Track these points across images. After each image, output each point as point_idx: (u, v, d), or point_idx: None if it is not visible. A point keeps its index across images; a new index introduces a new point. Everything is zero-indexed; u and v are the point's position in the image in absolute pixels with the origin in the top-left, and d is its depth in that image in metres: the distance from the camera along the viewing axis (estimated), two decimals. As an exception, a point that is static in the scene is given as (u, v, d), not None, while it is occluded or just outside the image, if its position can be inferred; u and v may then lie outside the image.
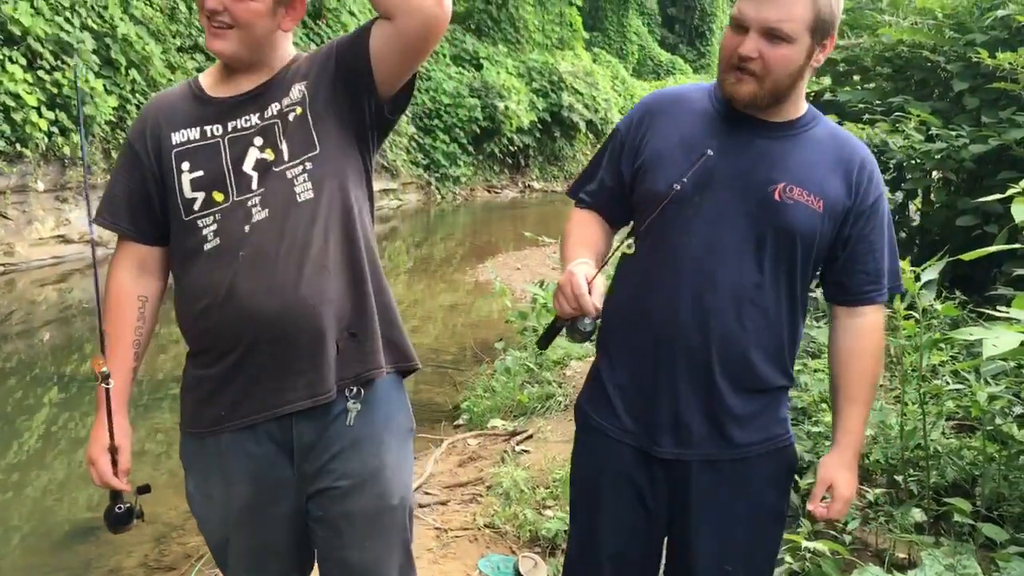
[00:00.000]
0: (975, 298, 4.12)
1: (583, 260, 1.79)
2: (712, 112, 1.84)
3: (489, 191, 22.58)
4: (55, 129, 9.93)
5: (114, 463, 1.85)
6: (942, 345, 3.13)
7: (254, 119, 1.80)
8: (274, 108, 1.80)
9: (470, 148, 21.71)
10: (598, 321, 1.73)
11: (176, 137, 1.81)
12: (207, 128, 1.81)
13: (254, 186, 1.77)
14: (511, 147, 23.18)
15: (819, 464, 1.91)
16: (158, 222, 1.86)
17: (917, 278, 2.80)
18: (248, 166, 1.78)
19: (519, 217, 18.40)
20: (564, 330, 1.76)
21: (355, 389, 1.83)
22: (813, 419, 3.52)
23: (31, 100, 9.51)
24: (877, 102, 5.57)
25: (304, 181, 1.77)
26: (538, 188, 24.40)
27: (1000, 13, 4.82)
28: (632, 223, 1.93)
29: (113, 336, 1.86)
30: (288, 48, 1.89)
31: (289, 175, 1.77)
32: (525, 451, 4.51)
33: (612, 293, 1.94)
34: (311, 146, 1.78)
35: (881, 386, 4.33)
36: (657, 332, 1.82)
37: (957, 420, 3.58)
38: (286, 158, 1.77)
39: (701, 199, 1.78)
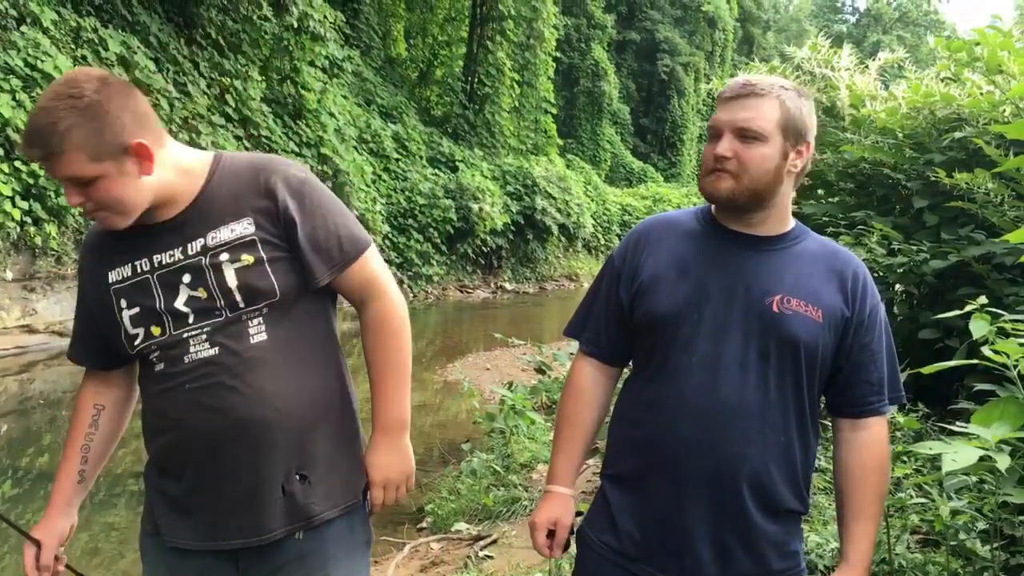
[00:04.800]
0: (938, 411, 4.15)
1: (562, 491, 1.95)
2: (700, 231, 1.87)
3: (461, 291, 22.71)
4: (28, 219, 9.93)
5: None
6: (905, 458, 3.14)
7: (177, 254, 1.76)
8: (197, 244, 1.76)
9: (443, 248, 21.91)
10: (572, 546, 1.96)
11: (112, 276, 1.80)
12: (136, 263, 1.78)
13: (191, 321, 1.75)
14: (484, 248, 23.45)
15: None
16: (115, 352, 1.87)
17: (879, 390, 2.82)
18: (180, 303, 1.75)
19: (490, 317, 18.45)
20: None
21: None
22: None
23: (5, 190, 9.54)
24: (840, 216, 5.71)
25: (259, 324, 1.75)
26: (510, 289, 24.58)
27: (957, 135, 5.01)
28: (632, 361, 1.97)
29: (69, 438, 1.98)
30: (192, 157, 1.81)
31: (244, 317, 1.75)
32: (489, 556, 4.42)
33: (617, 420, 1.93)
34: (269, 294, 1.75)
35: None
36: (666, 456, 1.79)
37: (922, 534, 3.57)
38: (239, 302, 1.74)
39: (699, 317, 1.78)
